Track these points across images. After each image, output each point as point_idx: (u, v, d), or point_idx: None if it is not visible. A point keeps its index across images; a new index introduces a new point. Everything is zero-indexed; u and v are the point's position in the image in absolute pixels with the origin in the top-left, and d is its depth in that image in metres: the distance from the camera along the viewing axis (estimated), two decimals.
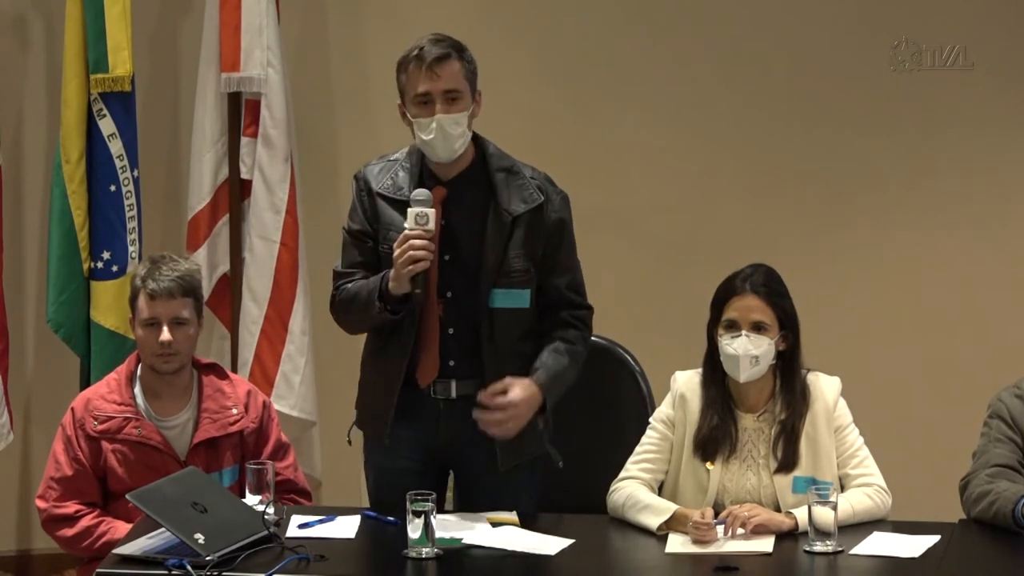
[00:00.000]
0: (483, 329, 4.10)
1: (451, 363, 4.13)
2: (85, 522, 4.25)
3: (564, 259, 4.21)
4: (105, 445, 4.26)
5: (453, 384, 4.14)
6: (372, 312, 4.04)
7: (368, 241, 4.14)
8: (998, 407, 4.12)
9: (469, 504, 4.19)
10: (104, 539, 4.22)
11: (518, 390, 4.04)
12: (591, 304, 4.26)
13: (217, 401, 4.34)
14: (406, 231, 3.98)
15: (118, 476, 4.25)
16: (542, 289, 4.18)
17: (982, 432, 4.13)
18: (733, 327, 4.06)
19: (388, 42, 4.19)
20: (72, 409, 4.33)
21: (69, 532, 4.26)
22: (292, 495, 4.35)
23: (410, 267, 3.96)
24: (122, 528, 4.20)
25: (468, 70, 4.08)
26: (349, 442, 4.29)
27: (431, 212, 3.99)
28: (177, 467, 4.21)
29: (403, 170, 4.14)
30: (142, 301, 4.29)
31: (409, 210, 4.00)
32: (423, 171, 4.13)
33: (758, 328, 4.05)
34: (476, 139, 4.16)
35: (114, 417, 4.27)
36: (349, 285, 4.12)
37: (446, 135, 4.04)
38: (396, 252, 3.97)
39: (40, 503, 4.30)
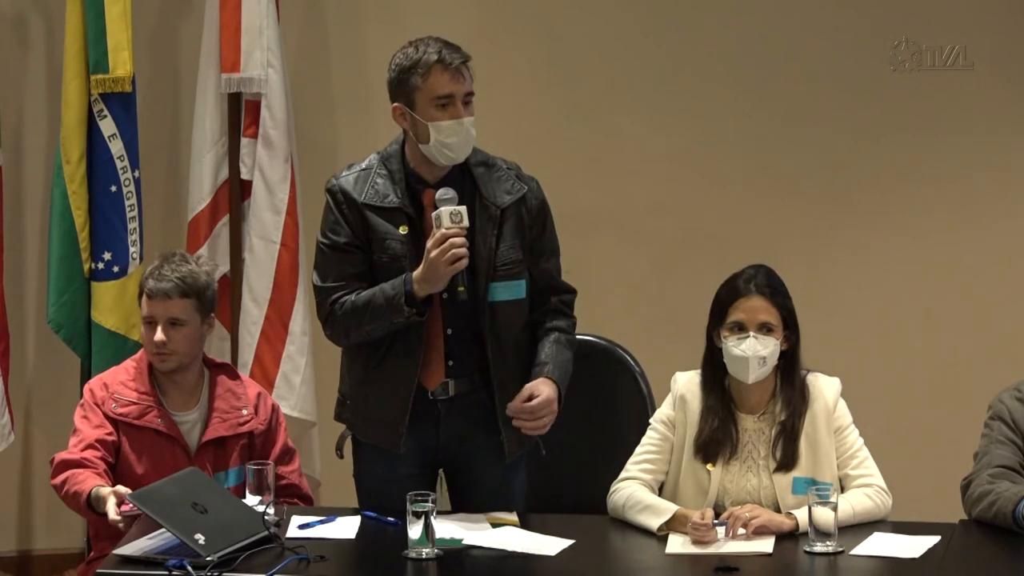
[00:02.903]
0: (484, 324, 4.11)
1: (450, 363, 4.14)
2: (74, 469, 4.17)
3: (549, 242, 4.24)
4: (122, 428, 4.26)
5: (451, 383, 4.15)
6: (397, 318, 4.03)
7: (356, 252, 4.13)
8: (999, 408, 4.12)
9: (464, 499, 4.20)
10: (75, 488, 4.14)
11: (545, 389, 4.07)
12: (574, 288, 4.29)
13: (228, 401, 4.35)
14: (443, 231, 3.98)
15: (128, 462, 4.26)
16: (531, 276, 4.19)
17: (983, 433, 4.13)
18: (740, 329, 4.06)
19: (388, 43, 4.18)
20: (91, 390, 4.33)
21: (60, 477, 4.19)
22: (295, 499, 4.36)
23: (454, 265, 3.98)
24: (89, 482, 4.11)
25: (473, 76, 4.13)
26: (340, 455, 4.30)
27: (464, 209, 4.02)
28: (187, 461, 4.22)
29: (381, 177, 4.14)
30: (143, 299, 4.31)
31: (443, 209, 4.01)
32: (407, 175, 4.13)
33: (765, 329, 4.05)
34: None
35: (136, 404, 4.28)
36: (351, 297, 4.10)
37: (468, 138, 4.08)
38: (434, 253, 3.97)
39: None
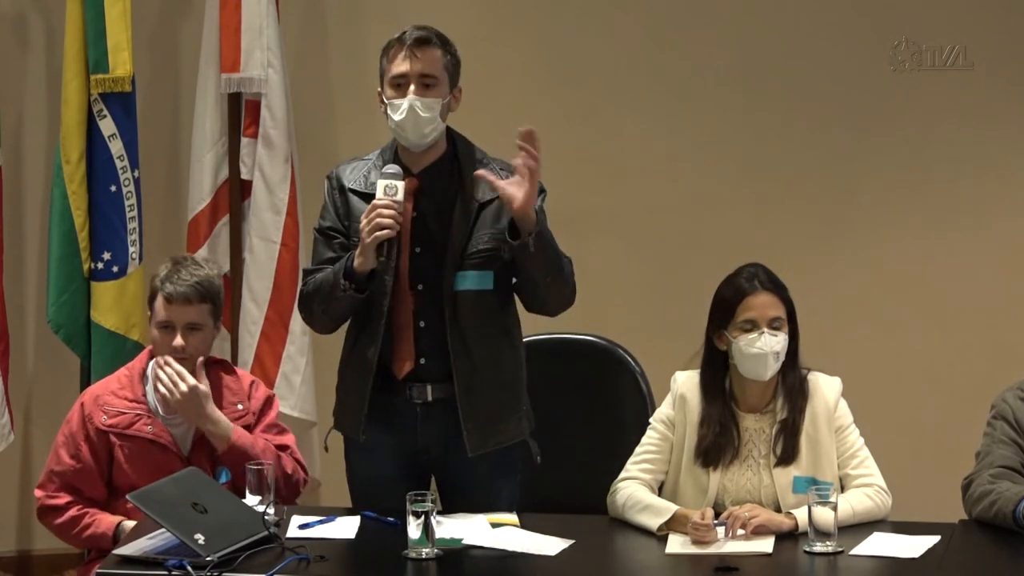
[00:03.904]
0: (447, 313, 4.10)
1: (422, 360, 4.13)
2: (72, 513, 4.29)
3: None
4: (113, 439, 4.28)
5: (429, 388, 4.14)
6: (338, 292, 4.05)
7: (338, 237, 4.16)
8: (1002, 408, 4.11)
9: (451, 503, 4.19)
10: (88, 532, 4.26)
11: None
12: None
13: (225, 397, 4.36)
14: (374, 201, 4.00)
15: (123, 471, 4.27)
16: (515, 261, 4.11)
17: (985, 432, 4.12)
18: (752, 327, 4.05)
19: None
20: (81, 404, 4.35)
21: (58, 520, 4.30)
22: (291, 459, 4.35)
23: (376, 234, 3.97)
24: (106, 521, 4.24)
25: (448, 61, 4.11)
26: (326, 448, 4.31)
27: (400, 184, 4.02)
28: (181, 466, 4.23)
29: (375, 168, 4.16)
30: (159, 303, 4.31)
31: (379, 181, 4.03)
32: (395, 164, 4.13)
33: (776, 324, 4.05)
34: (449, 133, 4.18)
35: (125, 413, 4.29)
36: (315, 276, 4.15)
37: (417, 118, 4.05)
38: (363, 222, 3.99)
39: (38, 492, 4.35)
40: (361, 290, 4.05)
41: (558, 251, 4.11)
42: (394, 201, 4.00)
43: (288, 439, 4.41)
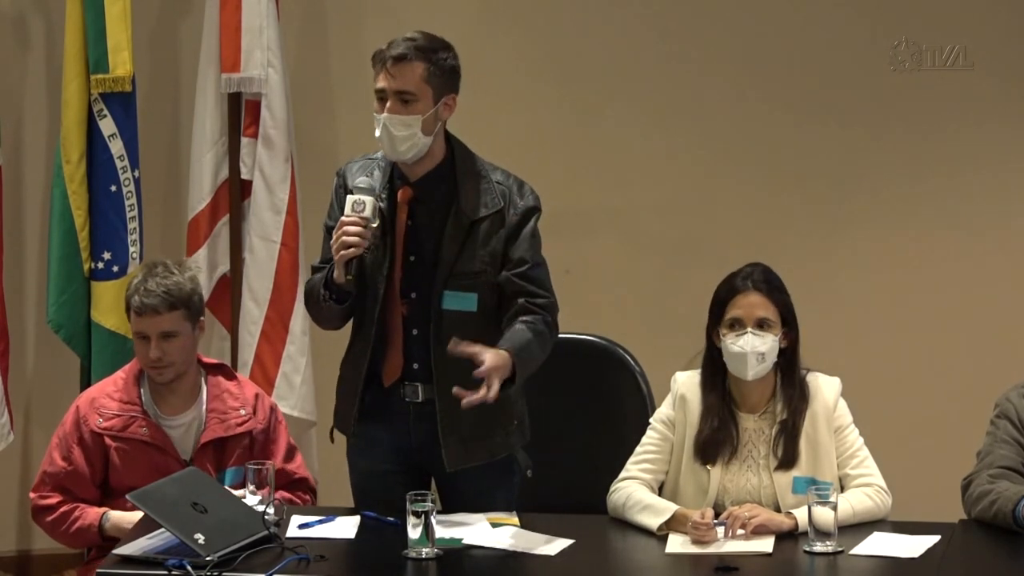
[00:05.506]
0: (432, 330, 4.10)
1: (415, 366, 4.13)
2: (62, 509, 4.30)
3: (518, 254, 4.11)
4: (108, 442, 4.28)
5: (420, 388, 4.13)
6: (320, 301, 4.07)
7: None
8: (1006, 407, 4.10)
9: (448, 502, 4.19)
10: (76, 526, 4.28)
11: (489, 356, 3.88)
12: (553, 297, 4.14)
13: (223, 402, 4.36)
14: (342, 217, 4.00)
15: (119, 473, 4.28)
16: (499, 285, 4.11)
17: (988, 431, 4.12)
18: (738, 325, 4.05)
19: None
20: (77, 407, 4.36)
21: (49, 518, 4.32)
22: (308, 492, 4.38)
23: (342, 252, 3.97)
24: (92, 513, 4.25)
25: (433, 73, 4.03)
26: (332, 439, 4.33)
27: (368, 200, 4.00)
28: (179, 467, 4.24)
29: (379, 169, 4.15)
30: (131, 315, 4.32)
31: (348, 196, 4.02)
32: (394, 171, 4.14)
33: (763, 325, 4.05)
34: (449, 140, 4.15)
35: (120, 415, 4.30)
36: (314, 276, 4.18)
37: (391, 136, 4.03)
38: (333, 238, 4.00)
39: (32, 494, 4.37)
40: (340, 300, 4.06)
41: (536, 361, 4.04)
42: (361, 217, 3.98)
43: (300, 459, 4.43)
